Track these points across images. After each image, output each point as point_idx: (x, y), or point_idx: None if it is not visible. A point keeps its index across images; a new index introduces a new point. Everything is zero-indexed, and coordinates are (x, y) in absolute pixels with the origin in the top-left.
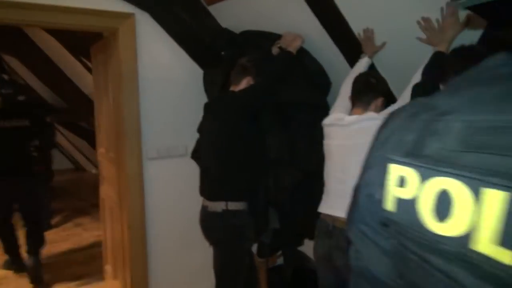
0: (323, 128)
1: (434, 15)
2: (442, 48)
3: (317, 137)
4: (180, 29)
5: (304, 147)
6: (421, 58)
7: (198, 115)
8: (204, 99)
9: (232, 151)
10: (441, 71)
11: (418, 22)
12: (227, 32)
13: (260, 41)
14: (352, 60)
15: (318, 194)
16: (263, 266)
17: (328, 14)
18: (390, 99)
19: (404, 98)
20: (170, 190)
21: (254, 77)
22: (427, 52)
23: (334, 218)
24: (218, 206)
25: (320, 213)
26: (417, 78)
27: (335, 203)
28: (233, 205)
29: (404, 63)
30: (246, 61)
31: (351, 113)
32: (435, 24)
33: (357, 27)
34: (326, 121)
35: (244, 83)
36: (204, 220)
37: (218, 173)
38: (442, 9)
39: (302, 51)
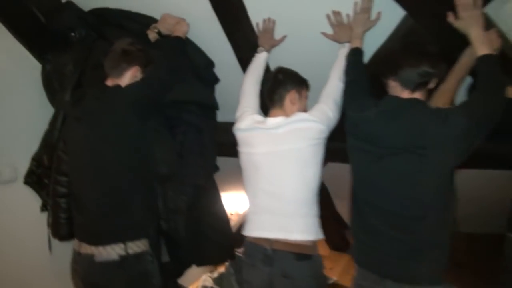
0: (237, 134)
1: (345, 10)
2: (357, 44)
3: (207, 145)
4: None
5: (194, 157)
6: (321, 55)
7: (34, 122)
8: (42, 99)
9: (122, 169)
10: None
11: (328, 16)
12: (68, 7)
13: (124, 23)
14: (242, 54)
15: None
16: None
17: None
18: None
19: (328, 96)
20: None
21: (142, 66)
22: (328, 51)
23: (272, 241)
24: (112, 251)
25: (244, 237)
26: (336, 76)
27: (270, 223)
28: (134, 246)
29: (303, 60)
30: (128, 45)
31: (269, 115)
32: (345, 20)
33: (256, 15)
34: (241, 125)
35: (129, 75)
36: (87, 275)
37: (106, 202)
38: (355, 3)
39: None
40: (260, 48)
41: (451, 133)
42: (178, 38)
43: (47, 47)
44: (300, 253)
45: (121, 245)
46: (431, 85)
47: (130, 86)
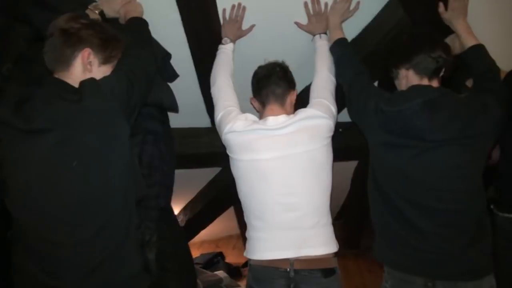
0: (230, 139)
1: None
2: (340, 35)
3: (166, 157)
4: None
5: (155, 173)
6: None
7: None
8: None
9: (115, 197)
10: None
11: (305, 4)
12: None
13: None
14: (200, 47)
15: None
16: None
17: None
18: None
19: (323, 90)
20: None
21: (96, 47)
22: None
23: (293, 261)
24: None
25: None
26: (325, 68)
27: (287, 240)
28: None
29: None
30: (68, 22)
31: (266, 113)
32: (323, 8)
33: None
34: (236, 127)
35: (79, 64)
36: None
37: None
38: None
39: None
40: (225, 39)
41: (493, 121)
42: (141, 20)
43: None
44: (326, 269)
45: None
46: (445, 73)
47: (111, 77)
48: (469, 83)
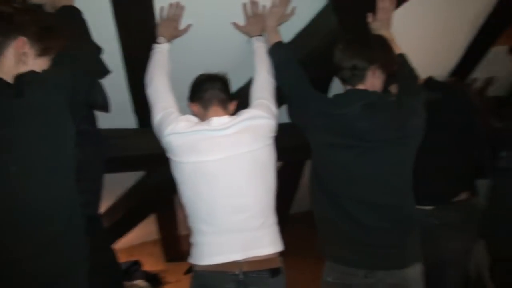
0: (172, 141)
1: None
2: (277, 38)
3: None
4: None
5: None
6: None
7: None
8: None
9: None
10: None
11: (244, 5)
12: None
13: None
14: (131, 43)
15: None
16: None
17: None
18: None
19: (263, 91)
20: None
21: (33, 36)
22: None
23: (242, 263)
24: None
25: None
26: (264, 70)
27: (236, 243)
28: None
29: (208, 55)
30: (1, 6)
31: (209, 114)
32: (260, 11)
33: None
34: (178, 128)
35: (11, 54)
36: None
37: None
38: None
39: None
40: (160, 38)
41: (422, 122)
42: (75, 9)
43: None
44: (273, 268)
45: None
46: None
47: (57, 72)
48: (392, 88)
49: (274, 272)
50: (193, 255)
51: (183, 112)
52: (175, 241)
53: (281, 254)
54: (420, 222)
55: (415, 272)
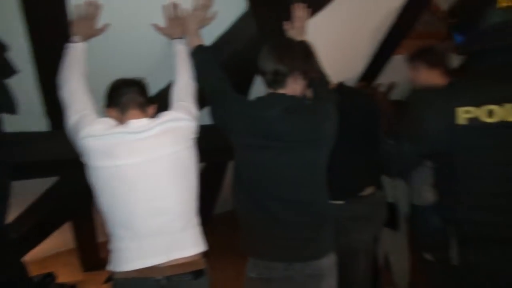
0: (87, 144)
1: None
2: (198, 41)
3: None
4: None
5: None
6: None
7: None
8: None
9: None
10: None
11: (165, 7)
12: None
13: None
14: (41, 40)
15: None
16: None
17: None
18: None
19: (183, 93)
20: None
21: None
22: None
23: (163, 268)
24: None
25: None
26: (185, 73)
27: (157, 246)
28: None
29: (129, 55)
30: None
31: (128, 116)
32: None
33: None
34: (93, 131)
35: None
36: None
37: None
38: None
39: None
40: (75, 37)
41: (334, 125)
42: None
43: None
44: (196, 270)
45: None
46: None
47: None
48: (307, 93)
49: (198, 274)
50: (112, 262)
51: (101, 114)
52: (93, 249)
53: (204, 254)
54: (334, 215)
55: (329, 261)
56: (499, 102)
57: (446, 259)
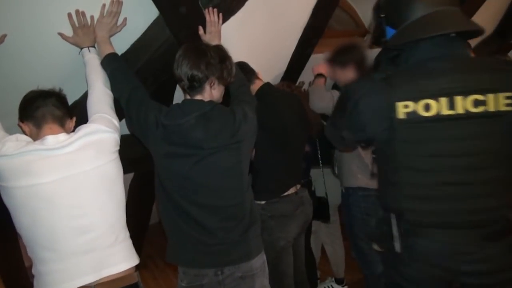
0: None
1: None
2: (110, 49)
3: None
4: None
5: None
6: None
7: None
8: None
9: None
10: None
11: (69, 15)
12: None
13: None
14: None
15: None
16: None
17: None
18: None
19: (101, 104)
20: None
21: None
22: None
23: (93, 286)
24: None
25: None
26: (99, 82)
27: (85, 265)
28: None
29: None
30: None
31: (44, 132)
32: (89, 21)
33: None
34: (5, 150)
35: None
36: None
37: None
38: (104, 5)
39: None
40: None
41: (253, 127)
42: None
43: None
44: (129, 285)
45: None
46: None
47: None
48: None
49: None
50: (36, 287)
51: (10, 130)
52: (18, 274)
53: (137, 267)
54: (259, 215)
55: (259, 261)
56: (434, 96)
57: (391, 247)
